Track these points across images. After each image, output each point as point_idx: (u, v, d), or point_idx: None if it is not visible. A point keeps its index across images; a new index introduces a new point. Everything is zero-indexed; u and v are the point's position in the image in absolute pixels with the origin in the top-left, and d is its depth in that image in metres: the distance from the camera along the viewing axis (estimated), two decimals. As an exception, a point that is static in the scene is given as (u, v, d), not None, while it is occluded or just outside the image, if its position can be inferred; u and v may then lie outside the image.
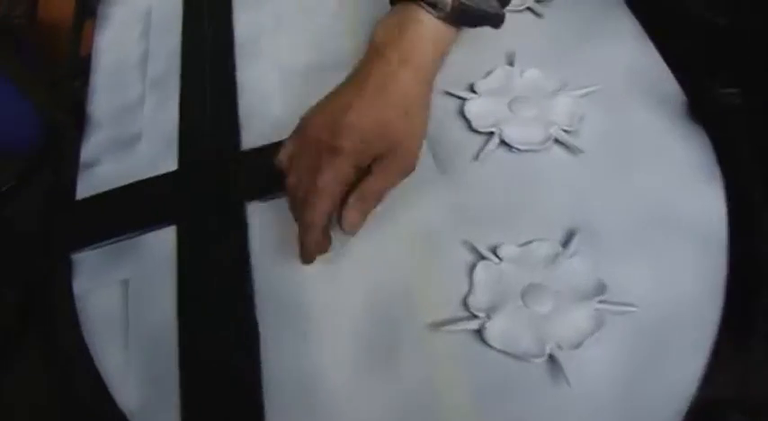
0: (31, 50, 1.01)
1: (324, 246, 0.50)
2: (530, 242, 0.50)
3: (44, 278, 0.57)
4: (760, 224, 0.49)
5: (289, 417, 0.45)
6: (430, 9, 0.51)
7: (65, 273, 0.56)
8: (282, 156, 0.51)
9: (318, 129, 0.49)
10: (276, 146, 0.58)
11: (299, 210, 0.49)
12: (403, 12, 0.51)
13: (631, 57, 0.60)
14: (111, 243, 0.56)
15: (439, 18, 0.51)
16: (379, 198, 0.50)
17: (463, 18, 0.52)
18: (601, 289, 0.47)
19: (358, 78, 0.50)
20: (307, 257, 0.49)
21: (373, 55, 0.51)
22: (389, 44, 0.50)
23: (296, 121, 0.58)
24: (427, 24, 0.51)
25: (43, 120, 0.66)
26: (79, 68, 0.68)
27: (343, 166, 0.47)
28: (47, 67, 0.78)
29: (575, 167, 0.54)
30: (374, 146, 0.48)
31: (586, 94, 0.57)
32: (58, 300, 0.55)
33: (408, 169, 0.51)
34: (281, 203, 0.55)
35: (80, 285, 0.55)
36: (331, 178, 0.47)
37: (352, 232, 0.49)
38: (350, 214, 0.48)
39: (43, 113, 0.86)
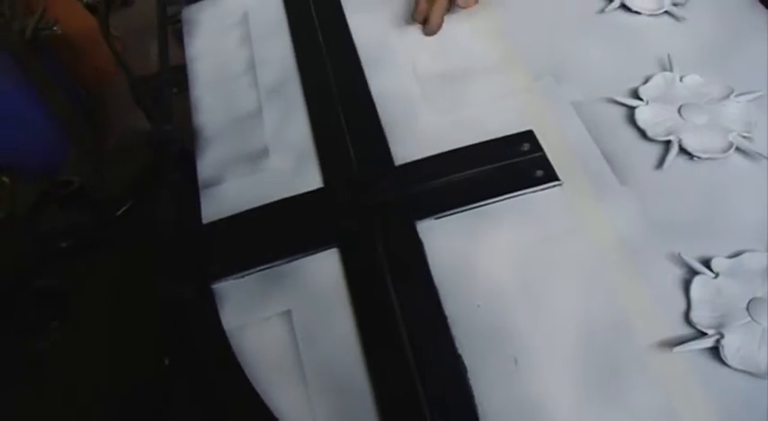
0: (58, 65, 0.94)
1: None
2: (739, 253, 0.49)
3: (185, 314, 0.52)
4: None
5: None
6: None
7: (210, 308, 0.51)
8: None
9: None
10: (434, 159, 0.55)
11: None
12: None
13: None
14: (260, 270, 0.52)
15: None
16: None
17: None
18: (827, 300, 0.47)
19: None
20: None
21: None
22: None
23: (447, 132, 0.56)
24: None
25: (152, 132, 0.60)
26: (169, 78, 0.64)
27: None
28: (142, 79, 0.72)
29: (759, 174, 0.54)
30: None
31: (754, 99, 0.57)
32: (208, 341, 0.50)
33: None
34: (454, 221, 0.52)
35: (231, 321, 0.51)
36: None
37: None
38: None
39: (72, 128, 0.80)
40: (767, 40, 0.62)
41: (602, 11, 0.65)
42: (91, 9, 1.24)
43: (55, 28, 0.94)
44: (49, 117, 0.93)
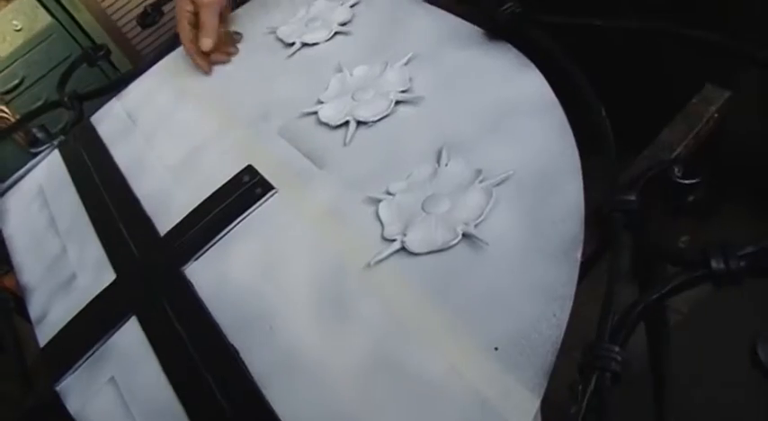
0: None
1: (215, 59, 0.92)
2: (411, 172, 0.65)
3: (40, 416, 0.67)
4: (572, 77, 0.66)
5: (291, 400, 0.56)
6: None
7: (58, 407, 0.66)
8: None
9: None
10: (186, 219, 0.72)
11: None
12: None
13: (432, 17, 0.80)
14: (85, 359, 0.68)
15: None
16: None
17: None
18: (477, 173, 0.62)
19: None
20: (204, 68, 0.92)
21: None
22: None
23: (195, 198, 0.73)
24: None
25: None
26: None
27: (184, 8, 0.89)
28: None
29: (422, 110, 0.70)
30: None
31: (408, 61, 0.75)
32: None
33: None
34: (209, 256, 0.69)
35: (74, 405, 0.66)
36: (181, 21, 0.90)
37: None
38: (202, 41, 0.89)
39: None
40: (418, 17, 0.81)
41: (291, 55, 0.85)
42: None
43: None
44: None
